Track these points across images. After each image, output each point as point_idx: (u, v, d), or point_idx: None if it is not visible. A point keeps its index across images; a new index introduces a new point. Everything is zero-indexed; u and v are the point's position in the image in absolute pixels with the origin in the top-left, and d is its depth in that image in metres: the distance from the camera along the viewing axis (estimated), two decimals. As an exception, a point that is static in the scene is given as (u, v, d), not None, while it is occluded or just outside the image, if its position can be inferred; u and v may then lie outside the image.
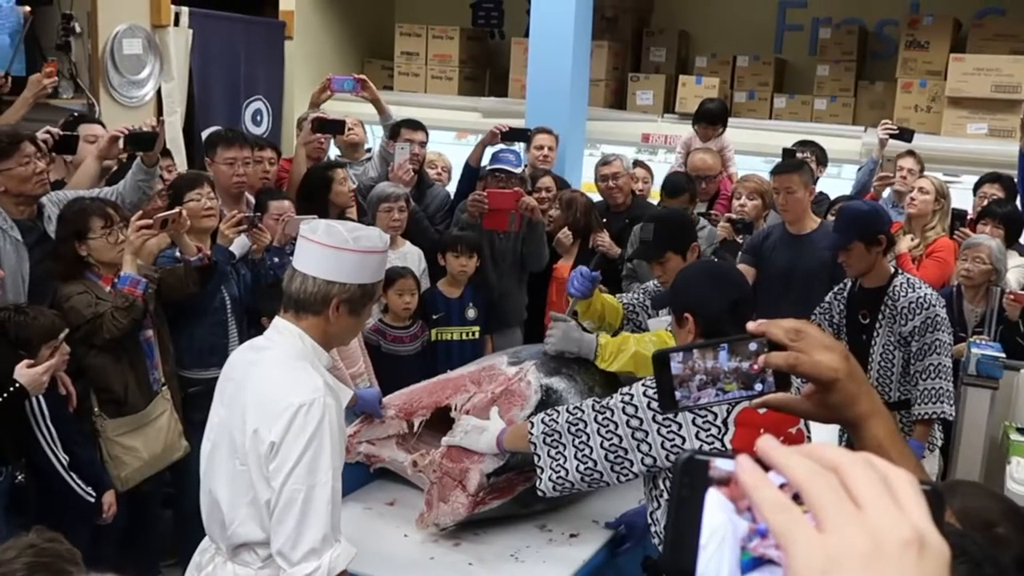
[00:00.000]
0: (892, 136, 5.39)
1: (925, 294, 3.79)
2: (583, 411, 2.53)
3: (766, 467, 0.64)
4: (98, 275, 3.60)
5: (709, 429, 2.37)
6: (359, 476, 3.28)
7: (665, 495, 2.47)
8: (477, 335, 4.67)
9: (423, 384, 3.32)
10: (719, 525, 0.64)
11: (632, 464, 2.45)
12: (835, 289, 4.09)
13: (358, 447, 3.23)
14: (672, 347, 1.13)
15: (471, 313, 4.64)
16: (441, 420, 3.16)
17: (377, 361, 4.31)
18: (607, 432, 2.45)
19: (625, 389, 2.50)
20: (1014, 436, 4.15)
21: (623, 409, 2.44)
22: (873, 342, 3.89)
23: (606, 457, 2.46)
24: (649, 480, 2.57)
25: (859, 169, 5.70)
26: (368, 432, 3.25)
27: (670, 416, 2.37)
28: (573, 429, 2.52)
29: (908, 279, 3.87)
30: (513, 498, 2.96)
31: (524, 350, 3.49)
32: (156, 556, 4.08)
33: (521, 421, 2.86)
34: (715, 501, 0.65)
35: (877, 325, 3.87)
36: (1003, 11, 7.08)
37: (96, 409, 3.57)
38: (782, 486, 0.63)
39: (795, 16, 7.92)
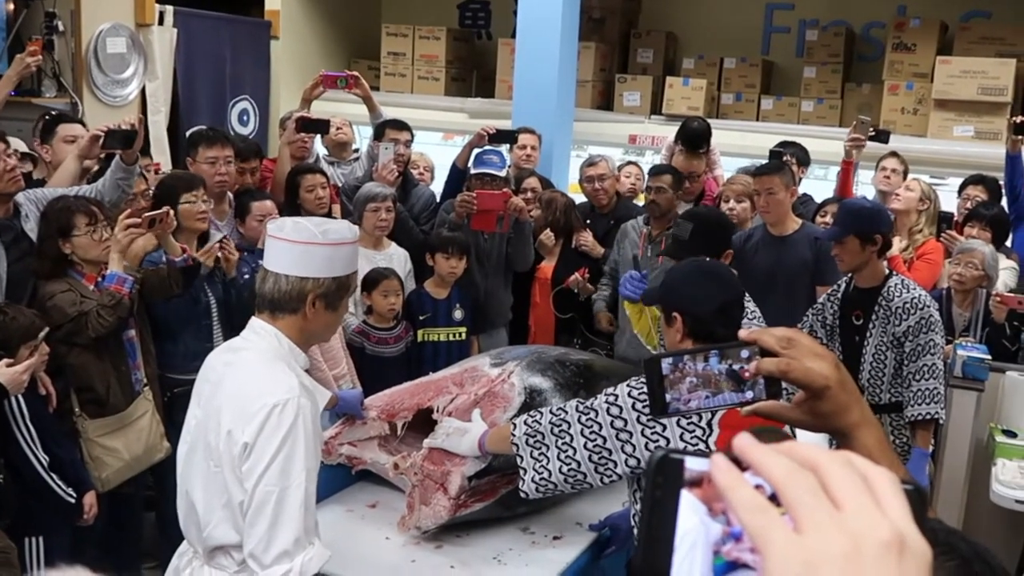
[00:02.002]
0: (868, 138, 5.39)
1: (920, 295, 3.81)
2: (566, 411, 2.51)
3: (743, 467, 0.62)
4: (81, 273, 3.57)
5: (694, 431, 2.35)
6: (341, 478, 3.25)
7: None
8: (464, 336, 4.65)
9: (405, 386, 3.29)
10: (691, 528, 0.62)
11: (616, 465, 2.43)
12: (829, 290, 4.09)
13: (340, 449, 3.20)
14: (663, 352, 1.12)
15: (458, 314, 4.62)
16: (424, 422, 3.14)
17: (361, 363, 4.29)
18: (591, 433, 2.43)
19: (610, 389, 2.48)
20: (1000, 438, 4.15)
21: (607, 410, 2.42)
22: (866, 343, 3.89)
23: (590, 458, 2.44)
24: (633, 481, 2.54)
25: (838, 172, 5.70)
26: (350, 434, 3.22)
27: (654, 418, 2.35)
28: (556, 430, 2.50)
29: (902, 280, 3.87)
30: (496, 501, 2.94)
31: (507, 351, 3.46)
32: (137, 558, 4.05)
33: (504, 423, 2.84)
34: (687, 503, 0.63)
35: (870, 325, 3.87)
36: (989, 14, 7.11)
37: (77, 409, 3.53)
38: (758, 487, 0.60)
39: (782, 18, 7.93)
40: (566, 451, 2.47)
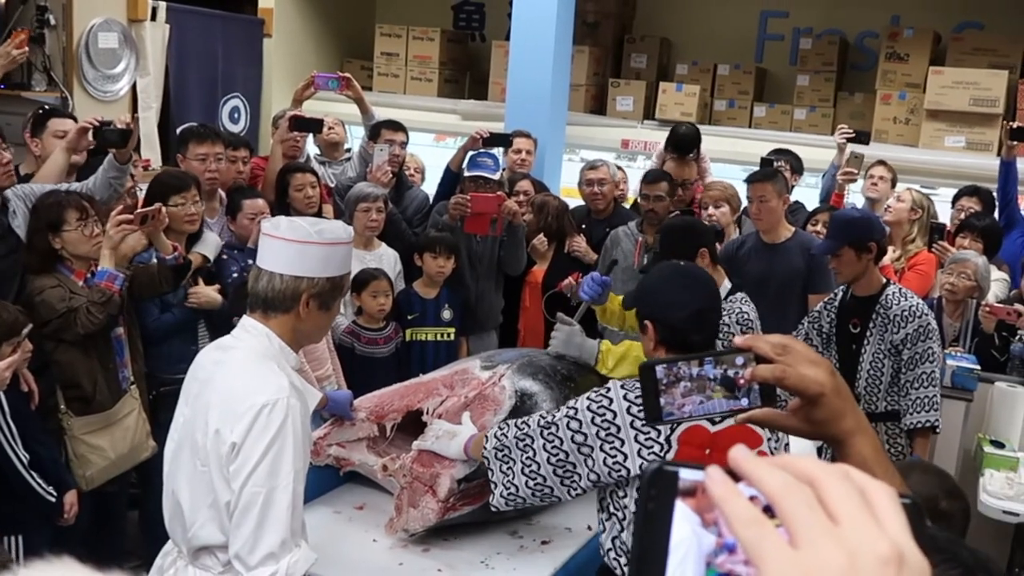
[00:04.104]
0: (849, 139, 5.41)
1: (917, 303, 3.83)
2: (529, 426, 2.48)
3: (737, 478, 0.60)
4: (71, 269, 3.55)
5: (652, 447, 2.32)
6: (328, 479, 3.23)
7: (621, 514, 2.41)
8: (452, 336, 4.64)
9: (395, 387, 3.27)
10: (683, 539, 0.61)
11: (580, 478, 2.40)
12: (826, 299, 4.10)
13: (328, 450, 3.18)
14: (658, 359, 1.11)
15: (447, 314, 4.61)
16: (413, 424, 3.12)
17: (351, 364, 4.27)
18: (553, 448, 2.41)
19: (571, 403, 2.45)
20: (988, 448, 4.16)
21: (567, 424, 2.39)
22: (863, 351, 3.89)
23: (554, 472, 2.42)
24: (597, 501, 2.50)
25: (823, 176, 5.72)
26: (338, 435, 3.20)
27: (613, 432, 2.32)
28: (521, 444, 2.48)
29: (900, 288, 3.89)
30: (484, 504, 2.91)
31: (498, 354, 3.45)
32: (120, 557, 4.01)
33: (495, 426, 2.82)
34: (681, 513, 0.62)
35: (868, 334, 3.87)
36: (982, 25, 7.13)
37: (62, 406, 3.50)
38: (752, 498, 0.59)
39: (776, 26, 7.94)
40: (530, 466, 2.45)
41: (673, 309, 2.37)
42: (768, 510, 0.58)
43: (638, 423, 2.30)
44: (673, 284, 2.45)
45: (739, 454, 0.61)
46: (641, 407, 2.28)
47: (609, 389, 2.37)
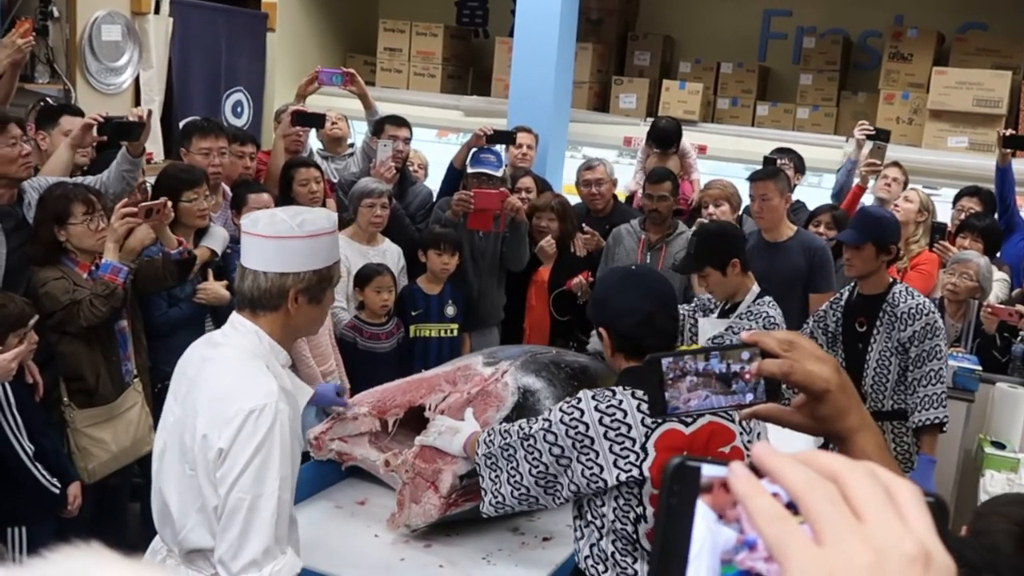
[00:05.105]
0: (868, 136, 5.41)
1: (924, 301, 3.84)
2: (512, 435, 2.47)
3: (759, 474, 0.60)
4: (75, 261, 3.55)
5: (628, 456, 2.29)
6: (330, 474, 3.23)
7: (599, 522, 2.40)
8: (456, 333, 4.64)
9: (397, 383, 3.27)
10: (699, 536, 0.61)
11: (562, 488, 2.39)
12: (832, 298, 4.10)
13: (330, 444, 3.18)
14: (664, 352, 1.11)
15: (450, 310, 4.61)
16: (415, 419, 3.12)
17: (353, 358, 4.28)
18: (533, 460, 2.40)
19: (545, 415, 2.44)
20: (988, 449, 4.16)
21: (544, 437, 2.37)
22: (869, 349, 3.89)
23: (536, 483, 2.41)
24: (575, 508, 2.49)
25: (838, 170, 5.73)
26: (340, 429, 3.20)
27: (587, 444, 2.30)
28: (505, 454, 2.47)
29: (906, 287, 3.89)
30: (487, 500, 2.92)
31: (500, 351, 3.45)
32: (123, 549, 4.01)
33: (497, 423, 2.82)
34: (698, 509, 0.61)
35: (874, 332, 3.87)
36: (986, 26, 7.12)
37: (65, 399, 3.50)
38: (774, 495, 0.59)
39: (779, 24, 7.93)
40: (515, 476, 2.44)
41: (622, 316, 2.36)
42: (791, 507, 0.58)
43: (611, 433, 2.28)
44: (621, 290, 2.42)
45: (762, 450, 0.61)
46: (612, 417, 2.28)
47: (580, 400, 2.35)
